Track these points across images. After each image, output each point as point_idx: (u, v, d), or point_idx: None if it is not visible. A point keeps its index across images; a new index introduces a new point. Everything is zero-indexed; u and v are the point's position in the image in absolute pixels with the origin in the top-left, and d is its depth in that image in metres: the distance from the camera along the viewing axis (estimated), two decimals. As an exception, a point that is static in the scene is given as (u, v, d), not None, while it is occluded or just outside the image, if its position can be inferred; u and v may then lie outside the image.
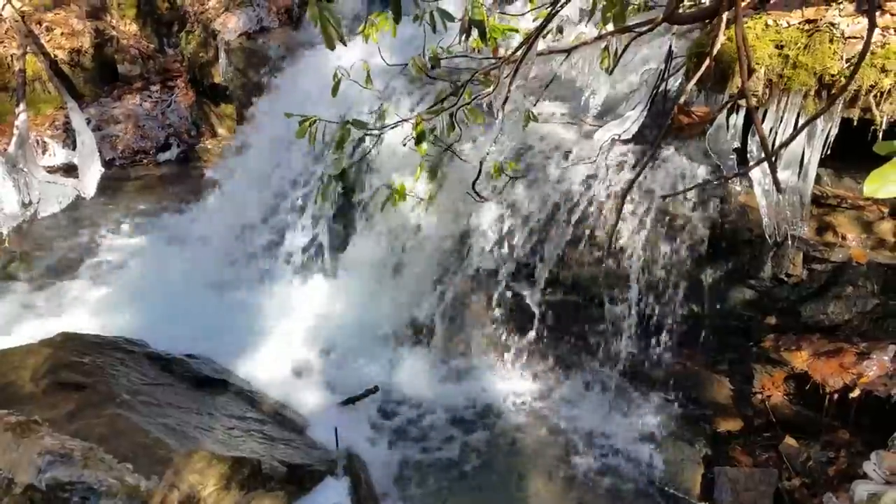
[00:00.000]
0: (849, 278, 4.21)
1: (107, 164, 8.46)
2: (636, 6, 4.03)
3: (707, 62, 2.57)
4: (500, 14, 4.72)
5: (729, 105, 3.97)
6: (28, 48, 8.57)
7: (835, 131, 3.93)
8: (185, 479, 3.09)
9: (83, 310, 5.82)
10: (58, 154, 8.30)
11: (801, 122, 3.92)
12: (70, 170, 8.08)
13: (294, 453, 3.84)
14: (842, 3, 3.88)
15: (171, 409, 3.84)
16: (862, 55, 2.12)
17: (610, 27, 3.53)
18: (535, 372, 5.07)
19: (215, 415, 4.00)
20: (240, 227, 6.40)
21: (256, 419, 4.14)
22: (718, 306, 4.61)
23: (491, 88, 3.74)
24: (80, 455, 3.10)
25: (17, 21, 8.61)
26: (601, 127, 4.89)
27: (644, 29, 3.25)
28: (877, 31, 3.72)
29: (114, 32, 9.75)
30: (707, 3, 2.94)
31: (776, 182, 2.05)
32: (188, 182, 8.24)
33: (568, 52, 3.94)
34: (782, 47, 3.90)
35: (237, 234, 6.40)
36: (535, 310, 5.00)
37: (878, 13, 3.74)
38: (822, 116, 3.86)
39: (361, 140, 5.51)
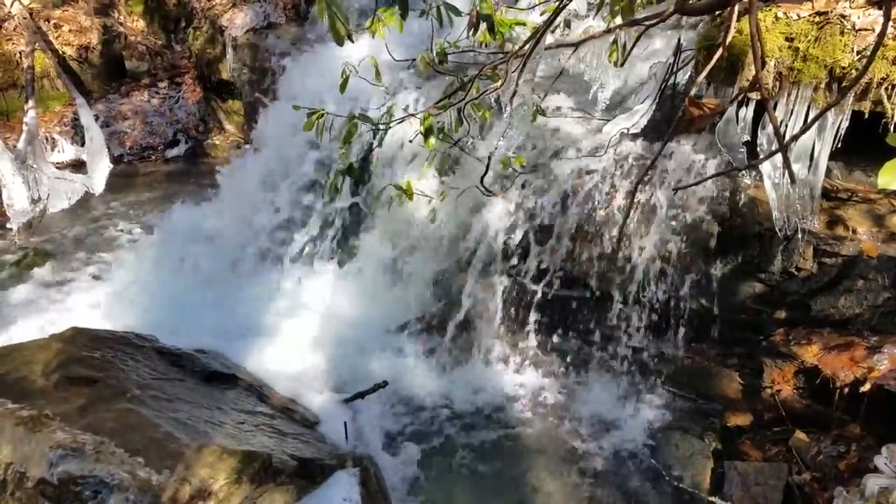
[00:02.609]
0: (859, 272, 4.20)
1: (115, 160, 8.48)
2: (644, -1, 4.03)
3: (719, 52, 2.57)
4: (507, 8, 4.71)
5: (740, 97, 3.96)
6: (36, 45, 8.60)
7: (845, 124, 3.91)
8: (196, 473, 3.09)
9: (93, 305, 5.84)
10: (67, 150, 8.33)
11: (811, 114, 3.91)
12: (79, 166, 8.09)
13: (304, 447, 3.84)
14: (853, -6, 3.88)
15: (181, 403, 3.84)
16: (876, 46, 2.11)
17: (618, 20, 3.53)
18: (543, 366, 5.07)
19: (225, 409, 4.01)
20: (248, 222, 6.41)
21: (266, 414, 4.14)
22: (728, 300, 4.60)
23: (499, 83, 3.73)
24: (91, 449, 3.10)
25: (25, 18, 8.63)
26: (610, 121, 4.88)
27: (653, 21, 3.24)
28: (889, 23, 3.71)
29: (121, 29, 9.77)
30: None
31: (790, 173, 2.04)
32: (196, 178, 8.25)
33: (576, 45, 3.93)
34: (792, 40, 3.89)
35: (245, 230, 6.40)
36: (543, 304, 5.00)
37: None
38: (832, 109, 3.86)
39: (370, 135, 5.51)
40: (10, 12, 8.60)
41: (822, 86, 3.90)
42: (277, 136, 6.48)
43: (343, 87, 4.15)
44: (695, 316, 4.66)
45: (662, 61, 4.64)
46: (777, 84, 3.99)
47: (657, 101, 4.60)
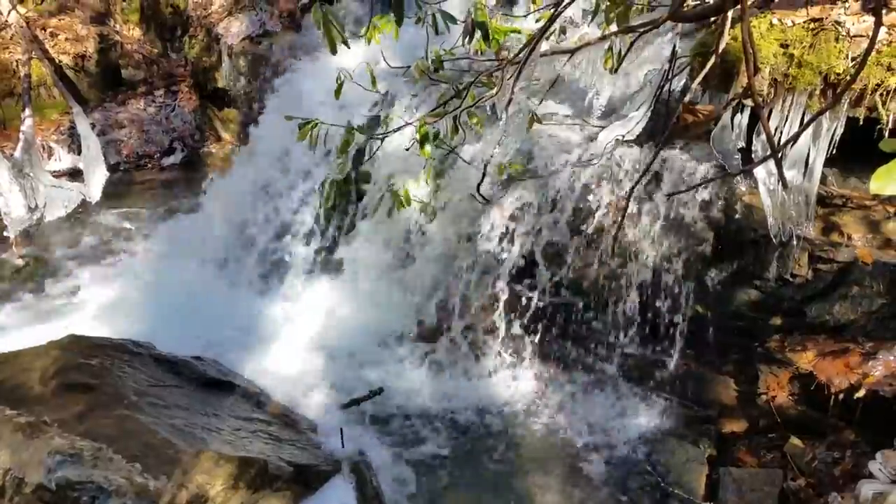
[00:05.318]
0: (855, 278, 4.21)
1: (112, 168, 8.45)
2: (640, 6, 4.05)
3: (713, 60, 2.58)
4: (502, 15, 4.73)
5: (734, 103, 3.98)
6: (33, 53, 8.59)
7: (840, 130, 3.93)
8: (193, 479, 3.09)
9: (90, 312, 5.84)
10: (63, 159, 8.31)
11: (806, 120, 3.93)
12: (76, 174, 8.08)
13: (300, 454, 3.84)
14: (847, 1, 3.89)
15: (178, 410, 3.84)
16: (867, 52, 2.12)
17: (613, 27, 3.54)
18: (540, 373, 5.08)
19: (222, 416, 4.01)
20: (245, 230, 6.41)
21: (263, 420, 4.14)
22: (723, 307, 4.61)
23: (494, 90, 3.74)
24: (89, 455, 3.11)
25: (22, 27, 8.63)
26: (605, 127, 4.89)
27: (648, 28, 3.26)
28: (882, 29, 3.73)
29: (118, 37, 9.77)
30: (712, 1, 2.95)
31: (783, 179, 2.06)
32: (193, 186, 8.23)
33: (571, 52, 3.94)
34: (787, 46, 3.91)
35: (242, 238, 6.41)
36: (540, 311, 5.00)
37: (884, 11, 3.74)
38: (827, 116, 3.87)
39: (365, 143, 5.52)
40: (6, 21, 8.61)
41: (817, 92, 3.91)
42: (272, 143, 6.50)
43: (338, 92, 4.16)
44: (690, 322, 4.66)
45: (658, 68, 4.66)
46: (772, 90, 4.00)
47: (652, 107, 4.62)
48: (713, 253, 4.47)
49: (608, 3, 3.41)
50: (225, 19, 8.57)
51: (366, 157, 5.56)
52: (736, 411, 4.57)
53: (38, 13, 9.27)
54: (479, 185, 4.74)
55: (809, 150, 4.04)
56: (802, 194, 4.14)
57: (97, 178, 7.93)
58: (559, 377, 5.03)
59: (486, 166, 4.74)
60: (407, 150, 4.45)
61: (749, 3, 2.67)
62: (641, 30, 3.29)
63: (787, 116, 4.01)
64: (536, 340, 5.07)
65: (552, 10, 3.33)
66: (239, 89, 8.43)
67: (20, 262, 6.67)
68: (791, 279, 4.37)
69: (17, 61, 8.51)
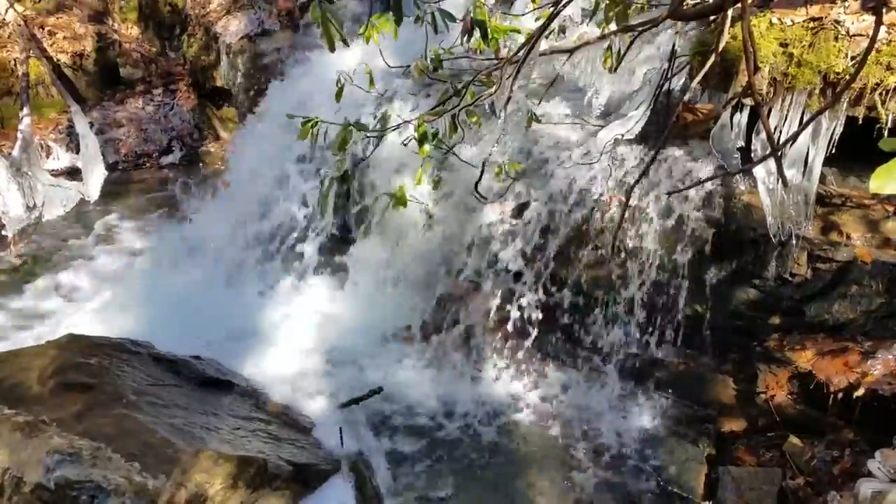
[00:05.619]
0: (854, 277, 4.21)
1: (110, 167, 8.47)
2: (639, 5, 4.05)
3: (713, 59, 2.58)
4: (501, 14, 4.72)
5: (734, 102, 3.97)
6: (31, 52, 8.58)
7: (840, 130, 3.93)
8: (192, 478, 3.09)
9: (88, 311, 5.83)
10: (62, 158, 8.29)
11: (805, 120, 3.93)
12: (74, 173, 8.09)
13: (299, 453, 3.84)
14: (847, 0, 3.89)
15: (177, 409, 3.84)
16: (867, 51, 2.12)
17: (612, 26, 3.54)
18: (537, 373, 5.07)
19: (221, 415, 4.01)
20: (243, 229, 6.40)
21: (262, 419, 4.14)
22: (722, 306, 4.60)
23: (493, 89, 3.74)
24: (88, 454, 3.11)
25: (19, 25, 8.62)
26: (605, 126, 4.89)
27: (647, 27, 3.26)
28: (882, 28, 3.73)
29: (116, 36, 9.75)
30: (711, 0, 2.95)
31: (783, 177, 2.06)
32: (191, 185, 8.24)
33: (570, 51, 3.94)
34: (787, 45, 3.91)
35: (240, 237, 6.40)
36: (538, 311, 5.00)
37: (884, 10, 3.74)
38: (826, 115, 3.87)
39: (363, 142, 5.51)
40: (4, 19, 8.59)
41: (817, 91, 3.91)
42: (271, 142, 6.49)
43: (338, 96, 4.16)
44: (689, 321, 4.66)
45: (657, 67, 4.65)
46: (772, 90, 4.00)
47: (652, 106, 4.61)
48: (712, 252, 4.47)
49: (607, 2, 3.41)
50: (223, 18, 8.57)
51: (364, 156, 5.56)
52: (735, 410, 4.57)
53: (35, 11, 9.25)
54: (476, 183, 4.74)
55: (809, 149, 4.04)
56: (802, 193, 4.14)
57: (96, 177, 7.95)
58: (558, 376, 5.03)
59: (483, 165, 4.73)
60: (405, 144, 4.45)
61: (749, 1, 2.68)
62: (640, 29, 3.30)
63: (786, 115, 4.01)
64: (535, 340, 5.06)
65: (551, 9, 3.32)
66: (237, 88, 8.42)
67: (18, 261, 6.67)
68: (790, 278, 4.37)
69: (14, 60, 8.50)
